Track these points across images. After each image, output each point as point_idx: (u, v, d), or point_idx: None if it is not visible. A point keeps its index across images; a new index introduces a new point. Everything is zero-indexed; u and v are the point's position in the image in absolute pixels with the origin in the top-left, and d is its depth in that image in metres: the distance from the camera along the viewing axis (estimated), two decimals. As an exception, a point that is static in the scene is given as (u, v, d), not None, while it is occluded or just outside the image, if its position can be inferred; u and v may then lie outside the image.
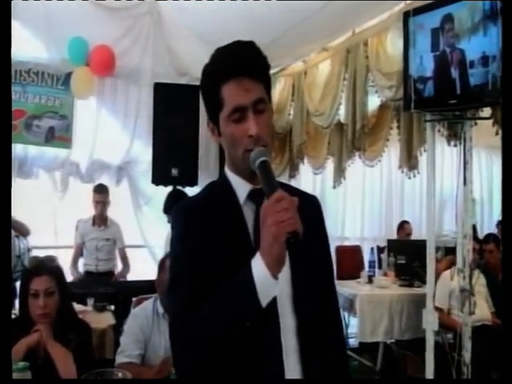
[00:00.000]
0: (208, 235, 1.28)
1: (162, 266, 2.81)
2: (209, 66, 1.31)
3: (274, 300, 1.21)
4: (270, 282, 1.14)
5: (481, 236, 5.45)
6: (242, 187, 1.34)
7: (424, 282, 3.97)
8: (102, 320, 3.68)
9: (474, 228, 5.29)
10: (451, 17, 3.06)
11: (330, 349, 1.37)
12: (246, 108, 1.25)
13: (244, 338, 1.20)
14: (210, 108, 1.33)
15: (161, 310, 2.72)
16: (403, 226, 6.67)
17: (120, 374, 1.90)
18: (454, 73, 3.08)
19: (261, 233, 1.16)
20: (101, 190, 5.13)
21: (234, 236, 1.28)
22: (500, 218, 6.34)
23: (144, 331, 2.68)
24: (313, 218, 1.37)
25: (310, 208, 1.38)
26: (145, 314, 2.74)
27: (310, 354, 1.30)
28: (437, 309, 3.84)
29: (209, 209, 1.32)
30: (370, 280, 5.16)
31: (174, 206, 1.40)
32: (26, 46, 4.96)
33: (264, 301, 1.15)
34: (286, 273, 1.26)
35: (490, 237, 5.00)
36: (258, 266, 1.14)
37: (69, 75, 5.30)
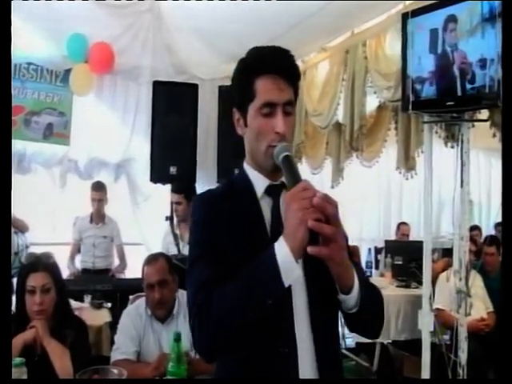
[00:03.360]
0: (226, 224, 1.34)
1: (142, 271, 2.81)
2: (246, 59, 1.37)
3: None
4: (293, 264, 1.18)
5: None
6: (260, 182, 1.40)
7: (420, 283, 3.98)
8: (98, 317, 3.69)
9: (479, 229, 5.30)
10: (449, 19, 3.07)
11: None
12: (277, 105, 1.32)
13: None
14: (240, 97, 1.38)
15: (149, 311, 2.73)
16: (400, 227, 6.70)
17: (116, 371, 1.91)
18: (452, 74, 3.09)
19: (285, 218, 1.21)
20: (98, 188, 5.13)
21: (251, 227, 1.34)
22: (498, 220, 6.36)
23: (137, 329, 2.68)
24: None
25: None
26: (138, 312, 2.74)
27: (321, 329, 1.33)
28: (438, 310, 3.86)
29: (228, 200, 1.38)
30: (367, 280, 5.16)
31: (195, 196, 1.47)
32: (25, 42, 4.95)
33: (286, 281, 1.19)
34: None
35: (490, 239, 4.97)
36: (282, 249, 1.18)
37: (68, 72, 5.30)
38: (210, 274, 1.28)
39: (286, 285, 1.19)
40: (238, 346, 1.29)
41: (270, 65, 1.32)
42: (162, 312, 2.69)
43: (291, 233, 1.18)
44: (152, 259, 2.80)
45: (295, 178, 1.25)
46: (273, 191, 1.39)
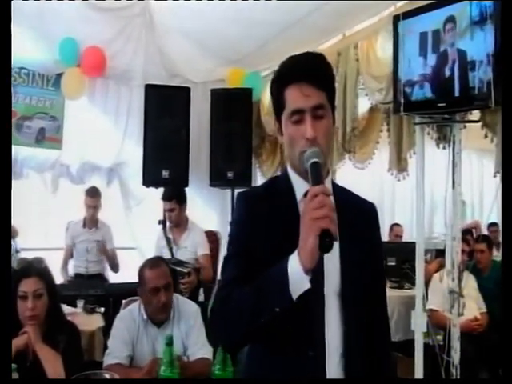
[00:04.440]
0: (263, 224, 1.37)
1: (141, 276, 2.79)
2: (278, 70, 1.41)
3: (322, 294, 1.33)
4: (302, 276, 1.18)
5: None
6: (299, 185, 1.42)
7: (414, 284, 3.99)
8: (91, 322, 3.67)
9: (471, 232, 5.35)
10: (440, 21, 3.08)
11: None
12: (305, 112, 1.33)
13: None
14: (275, 108, 1.43)
15: (145, 316, 2.72)
16: (393, 228, 6.72)
17: (108, 376, 1.90)
18: (443, 76, 3.10)
19: (300, 229, 1.21)
20: (93, 194, 5.09)
21: (288, 230, 1.33)
22: (490, 221, 6.41)
23: (131, 333, 2.67)
24: (366, 224, 1.49)
25: (364, 214, 1.51)
26: (131, 316, 2.73)
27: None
28: (432, 311, 3.87)
29: (268, 201, 1.42)
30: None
31: (238, 193, 1.49)
32: (16, 47, 4.92)
33: (295, 293, 1.19)
34: (335, 270, 1.36)
35: (482, 237, 5.04)
36: (293, 260, 1.19)
37: (59, 76, 5.29)
38: (236, 274, 1.34)
39: (294, 297, 1.19)
40: (261, 346, 1.36)
41: (297, 73, 1.35)
42: (164, 316, 2.70)
43: (302, 245, 1.19)
44: (155, 263, 2.83)
45: (313, 184, 1.24)
46: None
